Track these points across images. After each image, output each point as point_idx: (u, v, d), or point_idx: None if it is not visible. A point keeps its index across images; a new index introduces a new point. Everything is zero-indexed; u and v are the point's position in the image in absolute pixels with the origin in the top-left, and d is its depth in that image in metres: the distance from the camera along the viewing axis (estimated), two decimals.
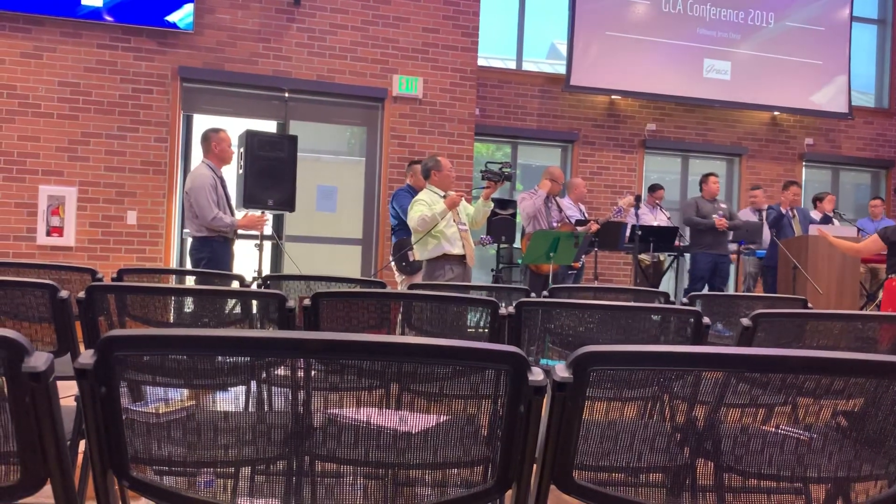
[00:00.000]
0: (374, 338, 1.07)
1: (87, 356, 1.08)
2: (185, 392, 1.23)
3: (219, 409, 1.24)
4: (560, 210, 7.06)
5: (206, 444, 1.23)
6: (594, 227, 7.05)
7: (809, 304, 3.57)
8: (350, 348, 1.09)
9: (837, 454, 1.30)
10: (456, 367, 1.16)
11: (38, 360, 1.04)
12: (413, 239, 5.33)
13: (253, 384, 1.22)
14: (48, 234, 6.92)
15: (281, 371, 1.20)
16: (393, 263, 6.06)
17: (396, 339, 1.03)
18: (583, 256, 7.19)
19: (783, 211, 8.06)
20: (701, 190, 8.13)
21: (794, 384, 1.21)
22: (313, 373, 1.18)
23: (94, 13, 6.95)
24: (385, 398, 1.21)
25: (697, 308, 2.61)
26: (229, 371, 1.18)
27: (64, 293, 2.28)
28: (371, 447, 1.23)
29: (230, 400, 1.24)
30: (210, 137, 5.41)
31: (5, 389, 1.07)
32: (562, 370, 1.12)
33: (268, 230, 5.96)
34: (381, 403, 1.22)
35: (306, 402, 1.20)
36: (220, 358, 1.13)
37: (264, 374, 1.23)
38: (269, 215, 5.75)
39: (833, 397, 1.25)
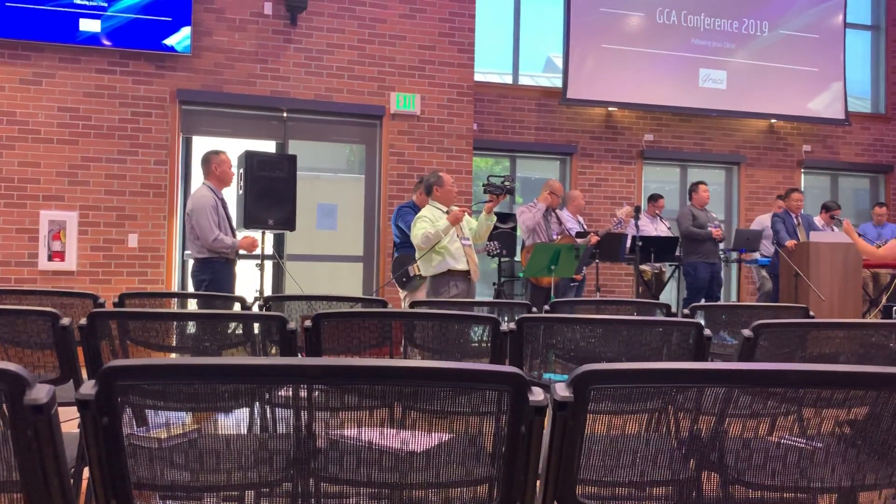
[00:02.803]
0: (374, 362, 1.08)
1: (88, 387, 1.08)
2: (188, 419, 1.23)
3: (221, 434, 1.24)
4: (560, 223, 7.07)
5: (210, 469, 1.23)
6: (594, 238, 7.05)
7: (811, 313, 3.57)
8: (350, 373, 1.09)
9: (842, 464, 1.30)
10: (457, 389, 1.16)
11: (40, 392, 1.04)
12: (417, 255, 5.34)
13: (256, 409, 1.23)
14: (50, 258, 6.94)
15: (283, 393, 1.20)
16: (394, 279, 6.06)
17: (396, 362, 1.03)
18: (584, 268, 7.19)
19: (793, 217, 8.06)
20: (690, 199, 8.13)
21: (796, 397, 1.21)
22: (315, 395, 1.19)
23: (93, 38, 7.00)
24: (388, 420, 1.22)
25: (699, 320, 2.61)
26: (231, 397, 1.18)
27: (65, 320, 2.29)
28: (375, 468, 1.23)
29: (232, 425, 1.24)
30: (210, 160, 5.44)
31: (7, 423, 1.07)
32: (562, 389, 1.12)
33: (268, 250, 5.97)
34: (384, 425, 1.22)
35: (309, 424, 1.20)
36: (221, 385, 1.13)
37: (267, 398, 1.24)
38: (260, 236, 5.75)
39: (836, 407, 1.25)
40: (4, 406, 1.06)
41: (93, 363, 2.34)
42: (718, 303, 7.31)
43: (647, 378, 1.15)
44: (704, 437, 1.25)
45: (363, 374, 1.10)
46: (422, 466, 1.24)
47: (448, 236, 5.19)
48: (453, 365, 1.10)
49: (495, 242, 7.07)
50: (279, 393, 1.19)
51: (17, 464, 1.12)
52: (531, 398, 1.10)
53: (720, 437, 1.28)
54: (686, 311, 3.40)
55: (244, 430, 1.22)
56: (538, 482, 1.22)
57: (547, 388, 1.17)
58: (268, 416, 1.18)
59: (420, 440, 1.24)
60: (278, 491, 1.29)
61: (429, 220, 5.21)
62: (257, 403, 1.22)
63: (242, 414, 1.23)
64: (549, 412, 1.16)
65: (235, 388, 1.16)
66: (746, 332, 2.33)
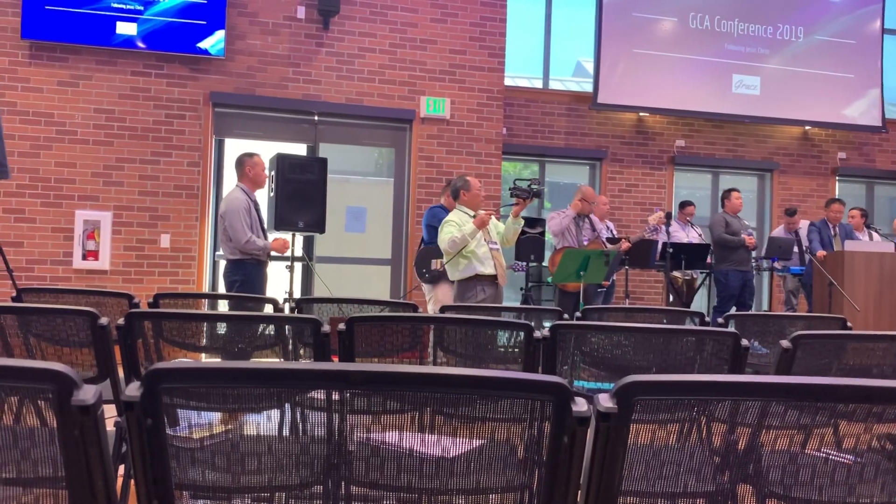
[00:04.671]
0: (418, 369, 1.07)
1: (133, 389, 1.09)
2: (228, 421, 1.24)
3: (262, 436, 1.25)
4: (593, 229, 7.02)
5: (250, 471, 1.24)
6: (626, 245, 7.00)
7: (849, 324, 3.51)
8: (394, 380, 1.09)
9: (885, 479, 1.28)
10: (498, 397, 1.16)
11: (87, 393, 1.05)
12: (444, 260, 5.33)
13: (296, 413, 1.23)
14: (84, 257, 7.05)
15: (325, 397, 1.20)
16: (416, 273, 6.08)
17: (440, 370, 1.03)
18: (613, 275, 7.14)
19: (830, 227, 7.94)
20: (723, 206, 8.04)
21: (845, 412, 1.18)
22: (357, 400, 1.19)
23: (128, 41, 7.11)
24: (427, 427, 1.21)
25: (735, 329, 2.57)
26: (273, 400, 1.19)
27: (104, 320, 2.32)
28: (415, 475, 1.23)
29: (273, 427, 1.25)
30: (244, 162, 5.49)
31: (55, 422, 1.09)
32: (605, 400, 1.11)
33: (298, 251, 6.00)
34: (423, 431, 1.22)
35: (347, 428, 1.20)
36: (265, 389, 1.14)
37: (307, 402, 1.24)
38: (290, 238, 5.79)
39: (884, 422, 1.23)
40: (53, 406, 1.07)
41: (130, 363, 2.36)
42: (750, 312, 7.21)
43: (694, 390, 1.13)
44: (750, 450, 1.23)
45: (407, 381, 1.10)
46: (462, 474, 1.23)
47: (475, 240, 5.17)
48: (497, 373, 1.09)
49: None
50: (321, 397, 1.19)
51: (63, 461, 1.14)
52: (575, 409, 1.09)
53: (762, 450, 1.26)
54: (720, 319, 3.35)
55: (285, 434, 1.23)
56: (579, 493, 1.20)
57: (587, 398, 1.16)
58: (310, 420, 1.18)
59: (460, 447, 1.23)
60: (314, 493, 1.29)
61: (456, 225, 5.20)
62: (298, 407, 1.22)
63: (283, 417, 1.24)
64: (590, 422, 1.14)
65: (278, 392, 1.17)
66: (785, 343, 2.29)
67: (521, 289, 8.05)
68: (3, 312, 2.51)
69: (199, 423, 1.18)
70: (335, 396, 1.18)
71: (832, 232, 7.95)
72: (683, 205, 8.30)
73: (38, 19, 6.90)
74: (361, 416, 1.20)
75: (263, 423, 1.21)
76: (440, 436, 1.22)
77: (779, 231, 8.62)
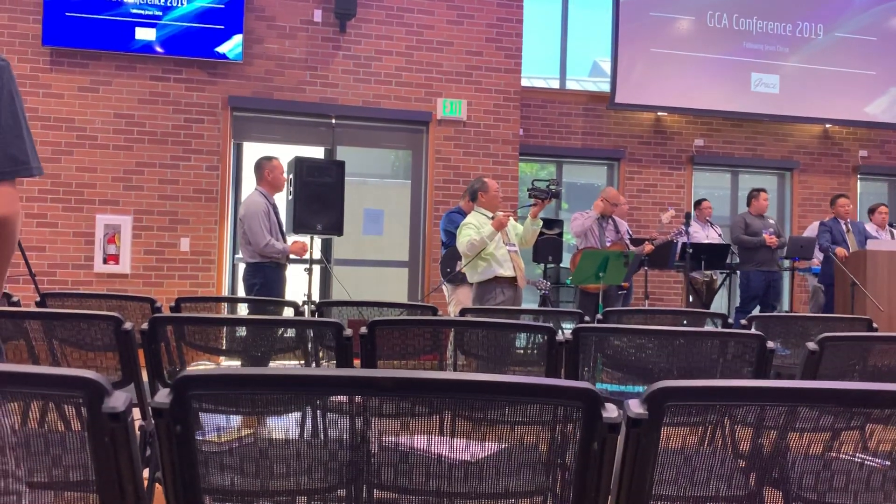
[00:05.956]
0: (447, 375, 1.07)
1: (163, 395, 1.09)
2: (257, 426, 1.24)
3: (289, 441, 1.25)
4: (617, 231, 6.98)
5: (277, 475, 1.24)
6: (649, 247, 6.96)
7: (874, 325, 3.46)
8: (423, 386, 1.09)
9: None
10: (526, 403, 1.15)
11: (118, 400, 1.06)
12: (462, 262, 5.32)
13: (324, 416, 1.23)
14: (104, 261, 7.11)
15: (345, 399, 1.20)
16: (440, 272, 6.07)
17: (470, 376, 1.02)
18: (631, 276, 7.10)
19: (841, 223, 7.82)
20: (749, 205, 7.96)
21: (879, 417, 1.16)
22: (382, 405, 1.18)
23: (147, 47, 7.17)
24: (456, 432, 1.21)
25: (760, 332, 2.54)
26: (301, 404, 1.19)
27: (128, 325, 2.33)
28: (444, 480, 1.22)
29: (299, 432, 1.25)
30: (263, 165, 5.51)
31: (85, 428, 1.09)
32: (636, 406, 1.10)
33: (316, 254, 6.02)
34: (452, 437, 1.21)
35: (373, 432, 1.20)
36: (292, 395, 1.14)
37: (333, 407, 1.24)
38: (309, 241, 5.82)
39: None
40: (83, 413, 1.08)
41: (153, 366, 2.38)
42: (772, 313, 7.14)
43: (727, 396, 1.11)
44: (781, 455, 1.21)
45: (435, 387, 1.09)
46: (489, 479, 1.22)
47: (493, 242, 5.16)
48: (529, 380, 1.08)
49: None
50: (347, 402, 1.19)
51: (94, 467, 1.14)
52: (605, 415, 1.08)
53: (795, 455, 1.24)
54: (743, 321, 3.32)
55: (312, 439, 1.23)
56: (609, 498, 1.19)
57: (617, 404, 1.15)
58: (337, 424, 1.18)
59: (487, 453, 1.23)
60: (343, 497, 1.29)
61: (474, 227, 5.19)
62: (325, 412, 1.22)
63: (310, 422, 1.24)
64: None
65: (307, 397, 1.17)
66: (812, 346, 2.27)
67: (540, 290, 8.01)
68: (29, 318, 2.53)
69: (227, 429, 1.18)
70: (358, 400, 1.18)
71: (844, 228, 7.83)
72: (699, 202, 8.23)
73: (59, 26, 6.97)
74: (387, 421, 1.20)
75: (291, 428, 1.21)
76: (467, 441, 1.21)
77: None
